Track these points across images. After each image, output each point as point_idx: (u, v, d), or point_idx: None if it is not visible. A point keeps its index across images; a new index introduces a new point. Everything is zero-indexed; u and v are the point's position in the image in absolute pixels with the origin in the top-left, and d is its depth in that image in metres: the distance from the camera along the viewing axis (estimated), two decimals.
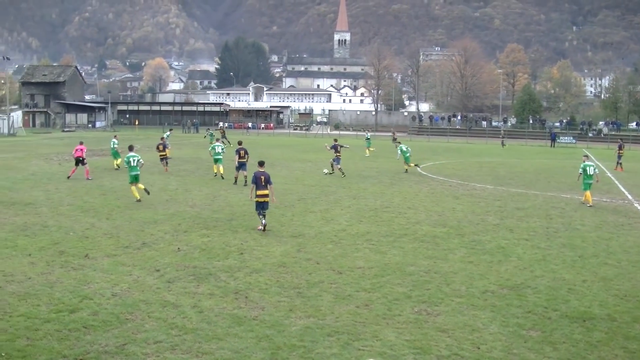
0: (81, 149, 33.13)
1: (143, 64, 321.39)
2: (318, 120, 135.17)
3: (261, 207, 19.57)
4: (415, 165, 40.37)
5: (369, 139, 57.40)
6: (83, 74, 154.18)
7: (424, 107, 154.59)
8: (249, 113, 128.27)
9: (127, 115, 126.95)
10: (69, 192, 27.69)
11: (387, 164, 44.80)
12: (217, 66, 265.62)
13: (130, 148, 27.76)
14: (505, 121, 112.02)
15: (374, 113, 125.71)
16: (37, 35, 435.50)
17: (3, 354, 9.81)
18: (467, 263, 15.95)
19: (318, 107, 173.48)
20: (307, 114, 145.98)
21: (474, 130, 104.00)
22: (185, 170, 37.51)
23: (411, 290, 13.47)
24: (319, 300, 12.66)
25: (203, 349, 10.07)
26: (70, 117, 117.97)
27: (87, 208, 23.37)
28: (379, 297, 12.90)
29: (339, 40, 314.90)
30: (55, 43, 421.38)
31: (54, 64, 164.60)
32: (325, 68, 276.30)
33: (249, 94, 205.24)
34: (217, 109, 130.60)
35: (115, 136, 41.96)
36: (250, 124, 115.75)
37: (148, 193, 26.10)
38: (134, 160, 26.22)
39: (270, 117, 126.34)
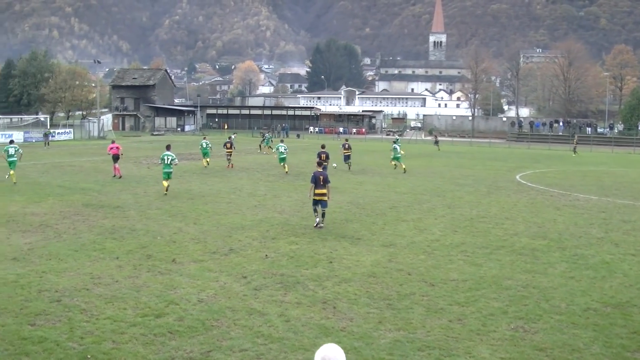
0: (117, 147, 37.25)
1: (233, 67, 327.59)
2: (412, 125, 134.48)
3: (319, 204, 21.29)
4: (395, 165, 43.30)
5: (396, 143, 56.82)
6: (173, 77, 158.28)
7: (524, 112, 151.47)
8: (340, 117, 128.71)
9: (216, 119, 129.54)
10: (157, 195, 28.44)
11: (484, 172, 44.12)
12: (308, 69, 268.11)
13: (167, 147, 31.11)
14: (611, 127, 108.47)
15: (470, 118, 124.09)
16: (127, 39, 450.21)
17: (89, 356, 10.14)
18: (568, 278, 15.50)
19: (412, 111, 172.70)
20: (401, 119, 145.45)
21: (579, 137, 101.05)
22: (274, 176, 37.93)
23: (507, 305, 13.19)
24: (410, 312, 12.55)
25: (289, 359, 10.14)
26: (159, 121, 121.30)
27: (174, 212, 23.95)
28: (473, 312, 12.69)
29: (434, 42, 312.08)
30: (146, 46, 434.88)
31: (144, 67, 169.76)
32: (420, 71, 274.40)
33: (340, 97, 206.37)
34: (307, 113, 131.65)
35: (204, 137, 46.97)
36: (341, 129, 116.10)
37: (166, 191, 28.84)
38: (167, 158, 29.59)
39: (362, 121, 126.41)
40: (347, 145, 43.10)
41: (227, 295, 13.44)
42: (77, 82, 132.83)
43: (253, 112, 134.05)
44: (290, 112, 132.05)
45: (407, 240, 19.62)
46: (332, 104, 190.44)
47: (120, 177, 35.71)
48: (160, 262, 16.15)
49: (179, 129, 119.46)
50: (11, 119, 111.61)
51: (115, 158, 36.75)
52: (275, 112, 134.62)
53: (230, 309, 12.47)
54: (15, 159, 33.84)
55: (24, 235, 19.46)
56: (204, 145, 44.43)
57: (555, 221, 23.74)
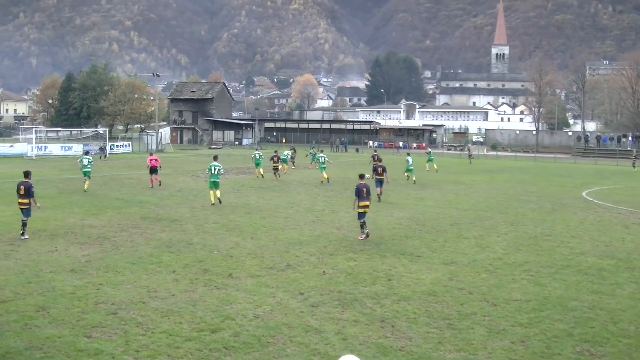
0: (155, 159, 39.21)
1: (291, 80, 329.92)
2: (473, 140, 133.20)
3: (364, 217, 21.95)
4: (410, 179, 44.83)
5: (429, 153, 61.48)
6: (231, 90, 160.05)
7: (591, 126, 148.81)
8: (400, 132, 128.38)
9: (274, 133, 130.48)
10: (215, 209, 28.72)
11: (548, 188, 43.39)
12: (367, 82, 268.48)
13: (215, 158, 32.35)
14: None
15: (534, 132, 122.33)
16: (186, 52, 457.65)
17: None
18: (637, 300, 15.08)
19: (474, 125, 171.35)
20: (462, 133, 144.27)
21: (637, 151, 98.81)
22: (332, 191, 37.94)
23: (573, 327, 12.89)
24: (471, 333, 12.37)
25: None
26: (217, 134, 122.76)
27: (232, 227, 24.13)
28: (537, 334, 12.44)
29: (496, 54, 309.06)
30: (204, 60, 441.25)
31: (202, 81, 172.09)
32: (482, 84, 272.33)
33: (400, 111, 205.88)
34: (366, 127, 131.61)
35: (256, 149, 50.59)
36: (401, 143, 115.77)
37: (220, 202, 30.31)
38: (214, 169, 30.91)
39: (422, 136, 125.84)
40: (376, 157, 43.47)
41: (283, 311, 13.44)
42: (136, 95, 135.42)
43: (311, 126, 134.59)
44: (349, 126, 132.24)
45: (469, 258, 19.38)
46: (392, 118, 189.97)
47: (158, 184, 38.59)
48: (216, 277, 16.27)
49: (236, 142, 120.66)
50: (71, 131, 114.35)
51: (153, 170, 38.91)
52: (333, 126, 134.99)
53: (287, 326, 12.47)
54: (89, 169, 37.04)
55: (81, 247, 19.85)
56: (257, 157, 47.02)
57: (623, 240, 23.17)
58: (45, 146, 78.21)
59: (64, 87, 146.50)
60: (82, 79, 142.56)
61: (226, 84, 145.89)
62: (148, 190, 36.66)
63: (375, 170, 34.05)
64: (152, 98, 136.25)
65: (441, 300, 14.56)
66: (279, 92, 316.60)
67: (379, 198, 32.46)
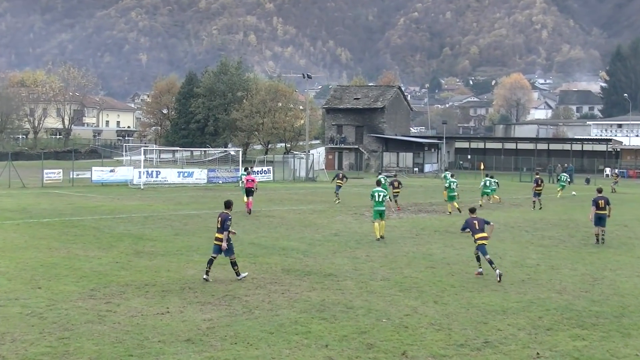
0: (252, 180, 43.52)
1: (493, 82, 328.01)
2: None
3: (482, 250, 25.64)
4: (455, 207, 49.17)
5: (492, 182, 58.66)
6: (409, 97, 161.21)
7: None
8: None
9: (469, 156, 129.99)
10: (385, 261, 28.78)
11: None
12: (603, 84, 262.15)
13: (378, 183, 35.75)
14: None
15: None
16: (347, 45, 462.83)
17: None
18: None
19: None
20: None
21: None
22: (551, 238, 37.24)
23: None
24: None
25: None
26: (389, 157, 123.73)
27: (408, 285, 24.05)
28: None
29: None
30: (372, 55, 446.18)
31: (370, 84, 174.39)
32: None
33: None
34: (602, 147, 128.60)
35: (451, 175, 52.70)
36: None
37: (382, 238, 34.27)
38: (378, 195, 34.25)
39: None
40: (396, 184, 48.50)
41: None
42: (280, 104, 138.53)
43: (521, 146, 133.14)
44: (576, 147, 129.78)
45: None
46: None
47: (248, 212, 43.46)
48: (385, 355, 16.22)
49: (416, 169, 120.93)
50: (192, 152, 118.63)
51: (249, 192, 43.11)
52: (553, 146, 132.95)
53: None
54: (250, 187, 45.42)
55: (202, 309, 20.34)
56: (451, 186, 49.85)
57: None
58: (157, 171, 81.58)
59: (183, 93, 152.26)
60: (207, 81, 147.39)
61: (402, 89, 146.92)
62: (294, 232, 37.28)
63: (595, 203, 35.75)
64: (301, 108, 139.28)
65: None
66: (475, 99, 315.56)
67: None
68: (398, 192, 51.87)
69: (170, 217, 43.94)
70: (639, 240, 37.03)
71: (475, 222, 25.84)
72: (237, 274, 24.49)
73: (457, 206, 49.09)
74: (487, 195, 55.46)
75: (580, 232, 39.79)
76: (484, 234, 25.72)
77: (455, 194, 50.02)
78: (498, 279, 24.82)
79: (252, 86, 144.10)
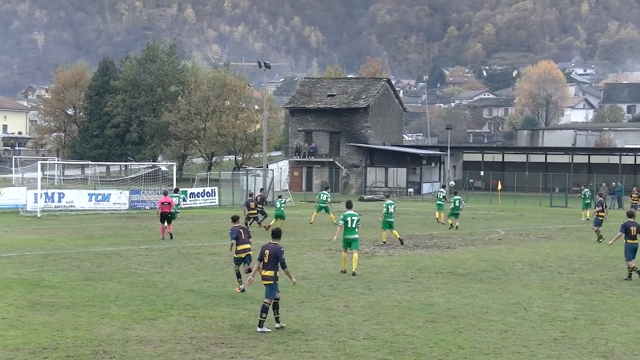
0: (169, 202, 45.08)
1: (515, 73, 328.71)
2: None
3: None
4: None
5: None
6: (402, 93, 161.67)
7: None
8: None
9: (482, 173, 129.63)
10: (370, 313, 28.77)
11: None
12: None
13: (348, 205, 40.27)
14: None
15: None
16: (319, 23, 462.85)
17: None
18: None
19: None
20: None
21: None
22: (593, 282, 37.32)
23: None
24: None
25: None
26: (375, 174, 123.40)
27: (401, 346, 24.04)
28: None
29: None
30: (353, 36, 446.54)
31: (350, 76, 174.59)
32: None
33: None
34: None
35: (455, 192, 57.80)
36: None
37: (354, 274, 37.24)
38: (351, 220, 38.10)
39: None
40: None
41: None
42: (228, 103, 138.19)
43: (552, 158, 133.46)
44: (628, 160, 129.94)
45: None
46: None
47: (170, 237, 46.24)
48: None
49: (411, 189, 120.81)
50: (108, 167, 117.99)
51: (165, 217, 45.68)
52: (595, 158, 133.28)
53: None
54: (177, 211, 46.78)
55: None
56: (457, 204, 58.76)
57: None
58: (60, 193, 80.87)
59: (95, 87, 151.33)
60: (129, 71, 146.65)
61: (393, 82, 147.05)
62: (247, 274, 37.19)
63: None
64: (257, 108, 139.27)
65: None
66: (491, 96, 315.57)
67: None
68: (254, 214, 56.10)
69: (79, 256, 43.70)
70: None
71: None
72: (260, 324, 25.60)
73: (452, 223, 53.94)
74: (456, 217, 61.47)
75: (622, 271, 39.79)
76: None
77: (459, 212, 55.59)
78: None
79: (190, 78, 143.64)
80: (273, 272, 25.37)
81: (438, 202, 70.45)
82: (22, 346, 23.16)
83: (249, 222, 56.83)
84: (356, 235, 38.24)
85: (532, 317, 28.31)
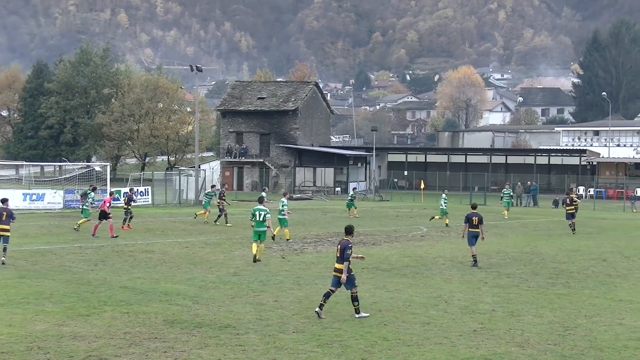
0: (106, 201, 46.49)
1: (436, 77, 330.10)
2: None
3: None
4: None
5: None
6: (329, 96, 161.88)
7: None
8: (638, 169, 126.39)
9: (405, 172, 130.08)
10: (299, 307, 28.82)
11: None
12: (575, 79, 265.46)
13: (260, 200, 42.47)
14: None
15: None
16: (249, 28, 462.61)
17: None
18: None
19: None
20: None
21: None
22: (510, 276, 37.76)
23: None
24: None
25: None
26: (303, 174, 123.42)
27: (328, 339, 24.07)
28: None
29: None
30: (282, 41, 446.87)
31: (279, 80, 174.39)
32: None
33: (638, 132, 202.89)
34: (574, 161, 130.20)
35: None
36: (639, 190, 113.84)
37: (258, 260, 38.72)
38: (259, 214, 40.44)
39: None
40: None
41: None
42: (161, 105, 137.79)
43: (472, 159, 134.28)
44: (542, 160, 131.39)
45: None
46: (623, 144, 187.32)
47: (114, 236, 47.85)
48: None
49: (338, 188, 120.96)
50: (42, 167, 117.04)
51: (103, 215, 47.39)
52: (512, 159, 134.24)
53: None
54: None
55: None
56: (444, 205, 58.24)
57: None
58: None
59: (29, 89, 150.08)
60: (63, 74, 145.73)
61: (320, 86, 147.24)
62: (180, 272, 37.09)
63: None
64: (189, 110, 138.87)
65: None
66: (414, 100, 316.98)
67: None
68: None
69: (13, 255, 43.10)
70: (621, 278, 37.65)
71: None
72: (357, 311, 27.33)
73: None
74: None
75: (548, 268, 40.22)
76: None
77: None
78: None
79: (124, 81, 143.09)
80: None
81: (349, 201, 76.43)
82: None
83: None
84: (265, 228, 40.55)
85: (452, 310, 28.53)
